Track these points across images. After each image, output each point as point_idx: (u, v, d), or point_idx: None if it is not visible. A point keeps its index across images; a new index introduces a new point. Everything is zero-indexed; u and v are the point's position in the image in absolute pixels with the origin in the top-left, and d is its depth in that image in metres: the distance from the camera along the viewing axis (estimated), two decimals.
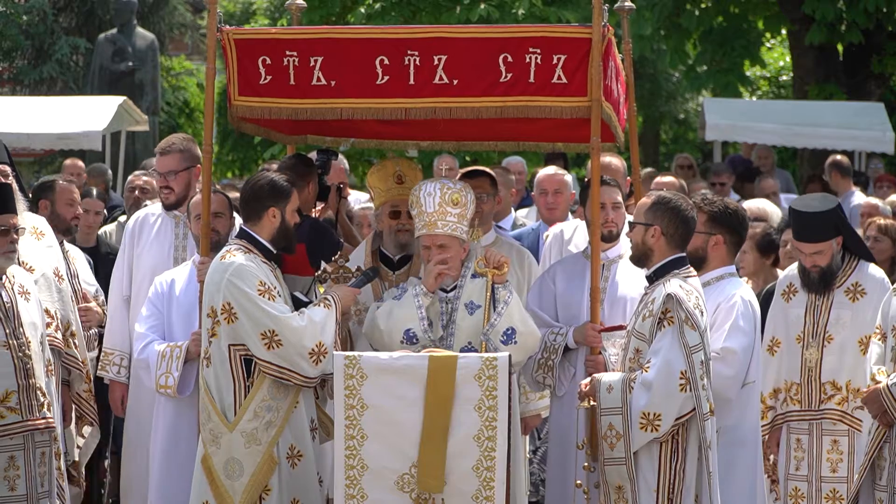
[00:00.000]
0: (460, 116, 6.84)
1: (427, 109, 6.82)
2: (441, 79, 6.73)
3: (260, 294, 6.59)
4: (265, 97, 6.90)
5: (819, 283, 7.21)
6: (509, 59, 6.68)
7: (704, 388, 6.18)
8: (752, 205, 10.25)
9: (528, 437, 8.46)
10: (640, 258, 6.48)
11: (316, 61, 6.80)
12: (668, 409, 6.16)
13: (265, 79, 6.87)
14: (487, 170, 8.07)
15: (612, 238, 7.19)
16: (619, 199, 7.24)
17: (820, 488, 7.22)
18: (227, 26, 6.98)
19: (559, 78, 6.68)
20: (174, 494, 7.21)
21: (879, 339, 6.78)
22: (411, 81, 6.75)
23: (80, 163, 13.58)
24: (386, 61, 6.75)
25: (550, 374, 7.10)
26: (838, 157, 15.14)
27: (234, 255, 6.70)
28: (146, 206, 8.76)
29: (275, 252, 6.81)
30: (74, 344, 7.43)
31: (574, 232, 8.45)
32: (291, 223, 6.79)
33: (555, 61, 6.67)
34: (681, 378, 6.14)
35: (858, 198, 13.97)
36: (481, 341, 6.58)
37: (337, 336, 6.69)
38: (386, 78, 6.76)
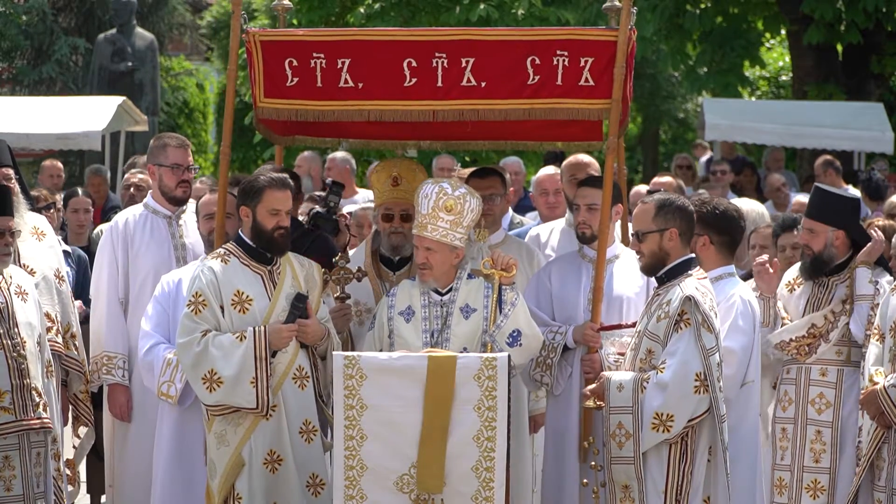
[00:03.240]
0: (488, 119, 6.85)
1: (455, 112, 6.84)
2: (469, 81, 6.75)
3: (188, 305, 6.66)
4: (292, 99, 6.89)
5: (809, 267, 7.23)
6: (537, 61, 6.71)
7: (721, 391, 6.18)
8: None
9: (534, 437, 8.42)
10: (655, 266, 6.42)
11: (343, 63, 6.80)
12: (681, 411, 6.15)
13: (292, 81, 6.85)
14: (498, 169, 8.05)
15: (586, 239, 7.17)
16: (597, 200, 7.16)
17: (801, 478, 7.22)
18: (253, 28, 6.97)
19: (586, 80, 6.72)
20: (179, 499, 7.22)
21: (877, 340, 6.78)
22: (439, 84, 6.77)
23: (59, 164, 13.51)
24: (414, 63, 6.76)
25: (548, 372, 7.09)
26: (828, 157, 15.22)
27: (206, 260, 6.79)
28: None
29: (259, 250, 6.76)
30: (75, 346, 7.41)
31: (550, 235, 8.44)
32: (268, 225, 6.70)
33: (582, 64, 6.71)
34: (696, 380, 6.13)
35: (851, 192, 14.06)
36: (486, 342, 6.56)
37: (266, 371, 6.57)
38: (414, 80, 6.78)
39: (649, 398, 6.20)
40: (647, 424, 6.18)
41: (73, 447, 7.66)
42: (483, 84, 6.75)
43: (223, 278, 6.68)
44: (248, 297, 6.69)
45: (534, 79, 6.74)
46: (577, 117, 6.84)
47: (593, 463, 6.55)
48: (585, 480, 6.69)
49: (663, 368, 6.20)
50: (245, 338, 6.59)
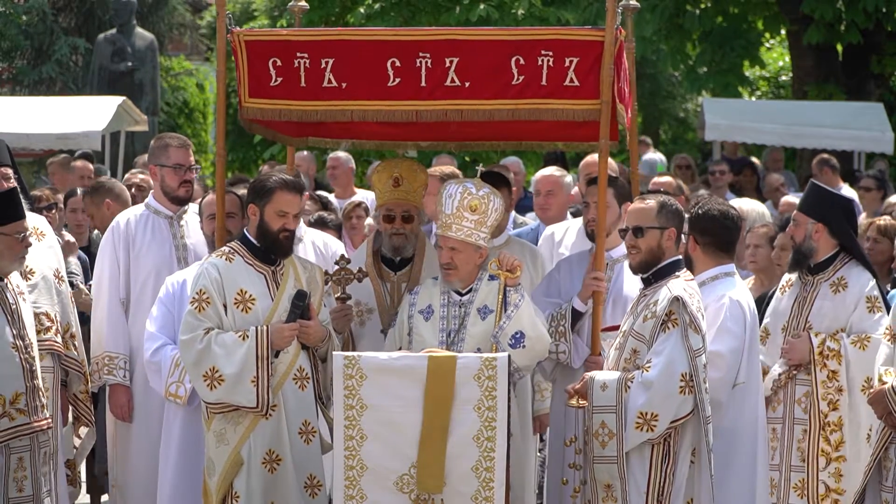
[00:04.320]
0: (472, 119, 6.80)
1: (439, 112, 6.79)
2: (453, 81, 6.71)
3: (192, 303, 6.64)
4: (275, 99, 6.87)
5: (791, 259, 7.26)
6: (521, 61, 6.66)
7: (707, 392, 6.18)
8: (735, 204, 10.26)
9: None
10: (649, 263, 6.42)
11: (327, 63, 6.77)
12: (665, 410, 6.16)
13: (276, 81, 6.83)
14: (504, 174, 8.01)
15: (594, 237, 7.18)
16: (607, 199, 7.14)
17: (789, 478, 7.22)
18: (238, 28, 6.97)
19: (571, 80, 6.66)
20: (189, 499, 7.21)
21: (889, 340, 6.76)
22: (423, 84, 6.73)
23: (90, 164, 13.47)
24: (397, 63, 6.72)
25: (563, 339, 7.01)
26: (824, 156, 15.23)
27: (210, 258, 6.77)
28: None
29: (263, 250, 6.73)
30: (74, 346, 7.39)
31: (565, 234, 8.44)
32: (274, 226, 6.67)
33: (567, 64, 6.65)
34: (681, 380, 6.14)
35: (846, 191, 14.05)
36: (491, 343, 6.55)
37: (267, 370, 6.57)
38: (397, 80, 6.74)
39: (633, 397, 6.20)
40: (631, 424, 6.18)
41: (74, 448, 7.65)
42: (467, 84, 6.71)
43: (227, 277, 6.67)
44: (251, 296, 6.69)
45: (518, 79, 6.68)
46: (562, 118, 6.78)
47: (572, 462, 6.55)
48: (565, 478, 6.68)
49: (649, 368, 6.21)
50: (247, 336, 6.59)
